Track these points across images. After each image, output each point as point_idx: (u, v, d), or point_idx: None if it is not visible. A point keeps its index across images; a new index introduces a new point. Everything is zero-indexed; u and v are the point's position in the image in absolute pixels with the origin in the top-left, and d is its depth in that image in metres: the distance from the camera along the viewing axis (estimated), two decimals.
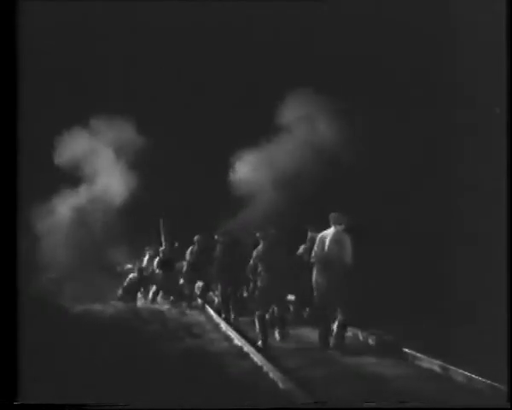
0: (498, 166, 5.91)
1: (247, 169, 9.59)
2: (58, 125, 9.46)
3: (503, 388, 4.85)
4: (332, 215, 6.87)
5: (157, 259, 10.97)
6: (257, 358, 6.10)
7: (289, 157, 9.33)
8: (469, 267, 7.22)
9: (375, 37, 8.22)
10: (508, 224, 5.67)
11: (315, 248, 6.91)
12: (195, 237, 10.18)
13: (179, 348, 6.60)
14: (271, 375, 5.48)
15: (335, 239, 6.73)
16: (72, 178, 9.81)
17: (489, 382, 4.99)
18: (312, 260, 6.90)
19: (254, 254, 7.22)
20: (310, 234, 8.20)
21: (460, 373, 5.34)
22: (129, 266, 11.70)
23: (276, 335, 7.16)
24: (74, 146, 9.72)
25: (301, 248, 8.32)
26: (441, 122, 8.13)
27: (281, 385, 5.19)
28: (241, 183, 9.55)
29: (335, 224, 6.81)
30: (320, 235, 6.95)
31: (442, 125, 8.10)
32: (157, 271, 10.86)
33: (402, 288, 8.15)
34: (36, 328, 5.77)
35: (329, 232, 6.83)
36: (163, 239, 10.83)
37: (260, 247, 7.22)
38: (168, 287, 10.70)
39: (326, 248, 6.75)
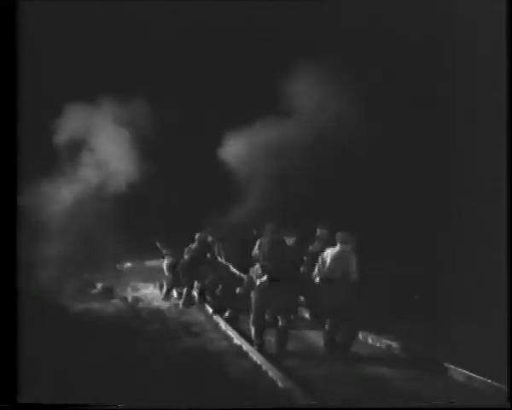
0: (498, 167, 5.92)
1: (240, 156, 9.04)
2: (57, 118, 9.34)
3: (504, 387, 4.86)
4: (338, 235, 6.54)
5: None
6: (256, 357, 6.09)
7: (289, 144, 8.85)
8: (469, 267, 7.23)
9: (374, 36, 8.22)
10: (508, 224, 5.67)
11: (318, 265, 6.63)
12: (197, 235, 10.02)
13: (179, 348, 6.59)
14: (271, 374, 5.48)
15: (338, 257, 6.44)
16: (73, 168, 9.62)
17: (489, 381, 5.00)
18: (315, 278, 6.62)
19: (253, 253, 6.84)
20: (319, 231, 7.92)
21: (460, 373, 5.35)
22: (128, 264, 11.64)
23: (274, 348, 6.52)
24: (75, 131, 9.53)
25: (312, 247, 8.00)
26: (441, 122, 8.13)
27: (280, 384, 5.19)
28: (234, 172, 9.09)
29: (342, 243, 6.49)
30: (324, 253, 6.66)
31: (442, 124, 8.11)
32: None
33: (402, 287, 8.15)
34: (36, 328, 5.77)
35: (333, 250, 6.54)
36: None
37: (258, 245, 6.80)
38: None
39: (327, 266, 6.49)
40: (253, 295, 6.73)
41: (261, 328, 6.60)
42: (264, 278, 6.54)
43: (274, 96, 8.88)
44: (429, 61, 8.20)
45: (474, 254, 7.28)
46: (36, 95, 6.63)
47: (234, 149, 9.23)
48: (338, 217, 8.17)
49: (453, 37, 7.48)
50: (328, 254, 6.59)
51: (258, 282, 6.65)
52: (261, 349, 6.40)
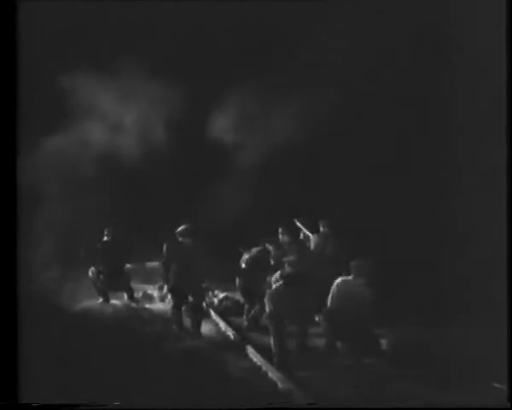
0: (498, 166, 5.92)
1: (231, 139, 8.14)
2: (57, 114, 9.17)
3: (504, 387, 4.87)
4: (352, 264, 6.07)
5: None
6: (256, 358, 6.10)
7: (292, 123, 8.04)
8: (469, 267, 7.22)
9: (373, 35, 8.20)
10: (508, 224, 5.68)
11: (330, 295, 6.08)
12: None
13: (179, 348, 6.59)
14: (270, 375, 5.48)
15: (346, 293, 5.97)
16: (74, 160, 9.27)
17: (489, 381, 5.01)
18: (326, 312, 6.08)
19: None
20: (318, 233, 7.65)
21: (461, 373, 5.34)
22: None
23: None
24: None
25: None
26: (441, 122, 8.13)
27: (280, 385, 5.20)
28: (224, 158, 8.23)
29: (355, 276, 6.03)
30: (337, 281, 6.13)
31: (442, 124, 8.11)
32: None
33: (401, 288, 8.14)
34: (36, 328, 5.77)
35: (343, 283, 6.07)
36: None
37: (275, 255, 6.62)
38: None
39: (333, 302, 6.00)
40: (267, 302, 6.14)
41: (282, 336, 6.01)
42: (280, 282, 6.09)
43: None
44: (429, 60, 8.19)
45: (474, 254, 7.27)
46: (35, 95, 6.61)
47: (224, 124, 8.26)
48: (337, 216, 8.16)
49: (453, 37, 7.48)
50: (337, 287, 6.05)
51: (273, 286, 6.20)
52: (284, 365, 5.75)
